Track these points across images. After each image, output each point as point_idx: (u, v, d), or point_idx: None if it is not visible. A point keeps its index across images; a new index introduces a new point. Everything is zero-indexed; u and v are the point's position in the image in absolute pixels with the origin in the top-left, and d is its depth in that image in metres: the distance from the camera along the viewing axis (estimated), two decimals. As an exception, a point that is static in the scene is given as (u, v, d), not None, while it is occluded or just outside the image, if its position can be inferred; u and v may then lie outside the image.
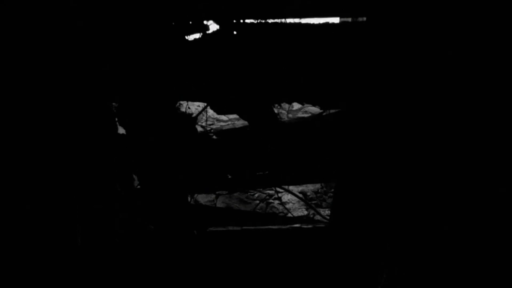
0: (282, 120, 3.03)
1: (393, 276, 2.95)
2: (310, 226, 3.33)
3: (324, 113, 3.01)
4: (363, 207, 2.99)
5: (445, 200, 2.75)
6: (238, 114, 2.86)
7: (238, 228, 3.37)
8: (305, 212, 6.87)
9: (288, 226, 3.36)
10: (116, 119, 2.74)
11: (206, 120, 8.28)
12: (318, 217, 6.63)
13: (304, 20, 2.53)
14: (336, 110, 2.97)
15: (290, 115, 8.68)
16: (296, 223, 3.47)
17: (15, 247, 2.71)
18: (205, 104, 2.93)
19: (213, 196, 6.79)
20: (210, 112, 7.81)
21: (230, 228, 3.38)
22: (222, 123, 8.21)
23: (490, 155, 2.61)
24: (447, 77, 2.49)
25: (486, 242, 2.71)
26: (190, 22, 2.47)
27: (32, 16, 2.25)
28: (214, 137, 3.10)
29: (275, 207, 6.94)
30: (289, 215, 6.79)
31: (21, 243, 2.71)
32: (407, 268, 2.89)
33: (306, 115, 9.11)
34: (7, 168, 2.57)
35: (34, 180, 2.63)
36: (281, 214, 6.80)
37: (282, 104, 8.74)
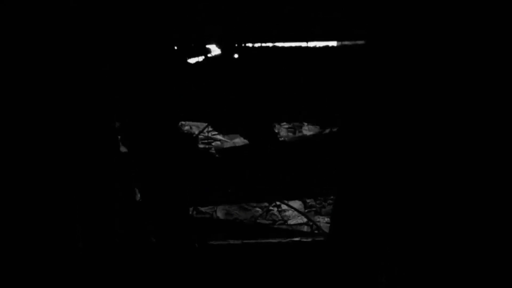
0: (282, 138, 3.06)
1: (393, 277, 2.95)
2: (309, 239, 3.35)
3: (324, 132, 3.05)
4: (362, 216, 3.00)
5: (444, 201, 2.76)
6: (239, 134, 2.89)
7: (239, 242, 3.40)
8: (305, 220, 6.87)
9: (288, 239, 3.38)
10: (119, 137, 2.76)
11: (208, 128, 8.32)
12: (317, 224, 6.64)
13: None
14: (335, 129, 3.01)
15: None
16: (296, 236, 3.50)
17: (16, 246, 2.71)
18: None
19: (214, 203, 6.80)
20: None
21: (231, 241, 3.40)
22: (223, 132, 8.25)
23: (484, 161, 2.64)
24: (441, 98, 2.53)
25: (485, 242, 2.71)
26: (192, 46, 2.51)
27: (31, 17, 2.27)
28: (216, 155, 3.13)
29: (274, 214, 6.94)
30: (288, 222, 6.80)
31: (21, 242, 2.71)
32: (407, 268, 2.89)
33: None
34: (13, 172, 2.59)
35: (36, 183, 2.64)
36: (280, 221, 6.80)
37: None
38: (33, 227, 2.71)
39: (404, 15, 2.36)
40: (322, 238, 3.36)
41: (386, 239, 2.99)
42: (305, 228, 6.94)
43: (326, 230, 6.24)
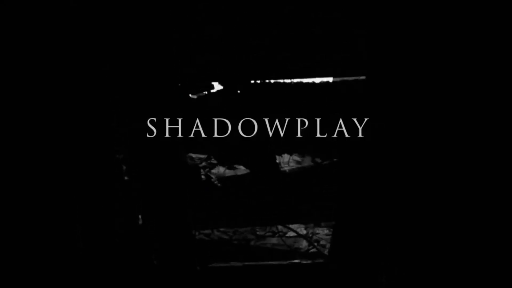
0: (283, 169, 3.10)
1: (393, 276, 2.94)
2: (309, 261, 3.39)
3: (323, 163, 3.09)
4: (363, 219, 3.01)
5: (443, 202, 2.76)
6: (241, 165, 2.92)
7: (240, 264, 3.43)
8: (304, 232, 6.85)
9: (288, 262, 3.41)
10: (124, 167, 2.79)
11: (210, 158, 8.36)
12: (316, 236, 6.64)
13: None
14: (334, 160, 3.04)
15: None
16: (296, 256, 3.58)
17: (17, 245, 2.70)
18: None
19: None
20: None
21: (232, 264, 3.42)
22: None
23: (482, 161, 2.65)
24: (437, 134, 2.58)
25: (485, 242, 2.71)
26: (196, 83, 2.56)
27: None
28: (218, 184, 3.16)
29: (274, 226, 6.93)
30: (288, 234, 6.79)
31: (22, 241, 2.70)
32: (407, 268, 2.88)
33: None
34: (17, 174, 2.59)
35: (37, 183, 2.64)
36: (280, 233, 6.78)
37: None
38: (33, 227, 2.70)
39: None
40: (321, 260, 3.39)
41: (386, 240, 2.99)
42: (304, 243, 6.92)
43: (325, 242, 6.24)
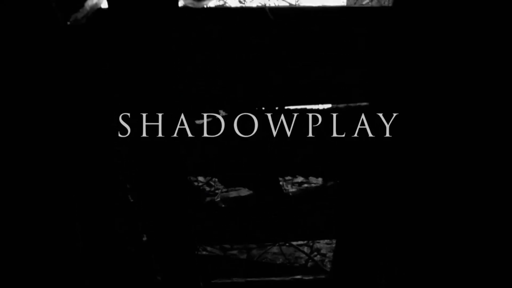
0: (286, 191, 3.15)
1: (393, 276, 2.93)
2: (311, 277, 3.46)
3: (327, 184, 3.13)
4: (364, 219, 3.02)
5: (444, 202, 2.76)
6: (245, 187, 2.96)
7: (242, 280, 3.47)
8: (305, 241, 6.85)
9: (290, 277, 3.47)
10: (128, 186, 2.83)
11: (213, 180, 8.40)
12: (316, 245, 6.65)
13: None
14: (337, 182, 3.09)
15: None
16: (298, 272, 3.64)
17: (15, 244, 2.70)
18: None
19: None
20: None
21: (235, 279, 3.47)
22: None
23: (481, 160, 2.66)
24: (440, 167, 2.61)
25: (485, 242, 2.70)
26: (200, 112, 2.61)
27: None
28: (222, 205, 3.19)
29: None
30: (288, 244, 6.79)
31: (21, 240, 2.70)
32: (407, 268, 2.87)
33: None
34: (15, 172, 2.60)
35: (36, 181, 2.65)
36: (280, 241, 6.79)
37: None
38: (33, 225, 2.70)
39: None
40: (323, 276, 3.42)
41: (386, 240, 2.99)
42: (305, 249, 6.93)
43: (326, 251, 6.24)
